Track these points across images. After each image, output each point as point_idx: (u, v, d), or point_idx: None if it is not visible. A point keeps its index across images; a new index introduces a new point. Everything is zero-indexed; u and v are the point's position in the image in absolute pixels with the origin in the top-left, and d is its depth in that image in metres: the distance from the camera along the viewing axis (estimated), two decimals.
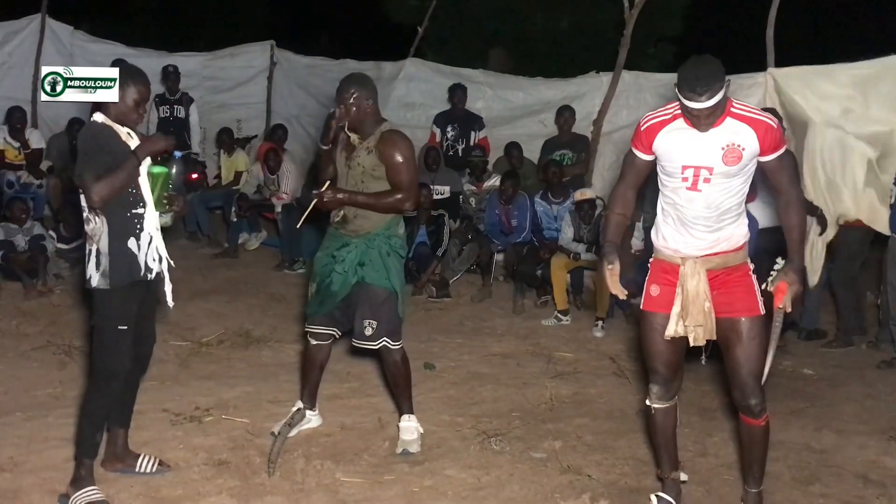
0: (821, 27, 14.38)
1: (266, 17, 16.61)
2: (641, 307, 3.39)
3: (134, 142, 3.48)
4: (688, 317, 3.21)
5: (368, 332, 3.92)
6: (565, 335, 6.32)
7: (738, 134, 3.10)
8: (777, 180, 3.21)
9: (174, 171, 3.55)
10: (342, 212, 3.93)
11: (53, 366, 5.00)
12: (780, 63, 6.94)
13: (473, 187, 7.95)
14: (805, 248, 3.25)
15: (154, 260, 3.53)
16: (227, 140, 8.91)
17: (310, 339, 4.13)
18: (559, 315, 6.61)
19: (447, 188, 7.82)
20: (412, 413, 4.13)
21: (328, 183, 3.89)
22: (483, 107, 8.97)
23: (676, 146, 3.18)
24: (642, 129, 3.26)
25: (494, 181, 7.72)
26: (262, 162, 8.36)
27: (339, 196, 3.84)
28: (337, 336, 4.14)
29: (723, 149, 3.10)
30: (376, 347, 3.97)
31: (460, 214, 7.75)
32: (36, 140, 8.08)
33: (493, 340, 6.10)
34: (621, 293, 3.35)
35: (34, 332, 5.59)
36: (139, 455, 3.70)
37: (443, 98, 8.82)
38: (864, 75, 6.40)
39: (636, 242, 6.59)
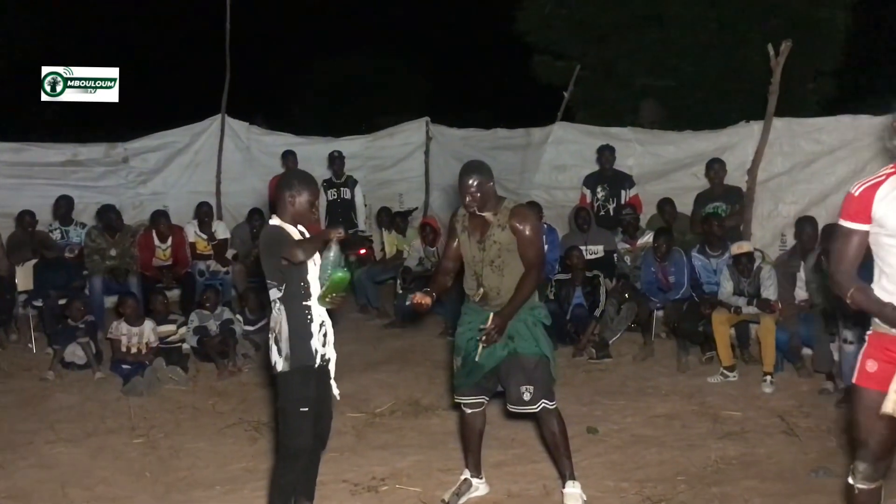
0: None
1: (422, 96, 17.51)
2: (854, 381, 3.20)
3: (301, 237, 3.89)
4: None
5: (527, 396, 4.12)
6: (732, 392, 6.21)
7: None
8: None
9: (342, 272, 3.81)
10: (482, 289, 4.17)
11: (245, 441, 5.47)
12: None
13: (627, 245, 7.99)
14: None
15: (323, 346, 3.89)
16: (385, 218, 9.46)
17: (464, 408, 4.38)
18: (725, 371, 6.50)
19: (600, 247, 7.93)
20: (575, 479, 4.25)
21: (491, 316, 4.08)
22: (634, 164, 9.06)
23: None
24: (856, 195, 3.08)
25: (648, 238, 7.74)
26: (420, 236, 8.81)
27: (500, 322, 4.05)
28: (486, 402, 4.35)
29: None
30: (536, 410, 4.15)
31: (616, 273, 7.80)
32: (221, 231, 8.86)
33: (657, 401, 6.09)
34: None
35: (227, 409, 6.12)
36: None
37: (592, 158, 8.96)
38: None
39: (800, 293, 6.42)
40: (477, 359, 4.16)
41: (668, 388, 6.37)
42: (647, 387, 6.45)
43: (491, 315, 4.08)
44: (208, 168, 10.22)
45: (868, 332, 3.19)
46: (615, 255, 7.96)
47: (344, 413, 5.70)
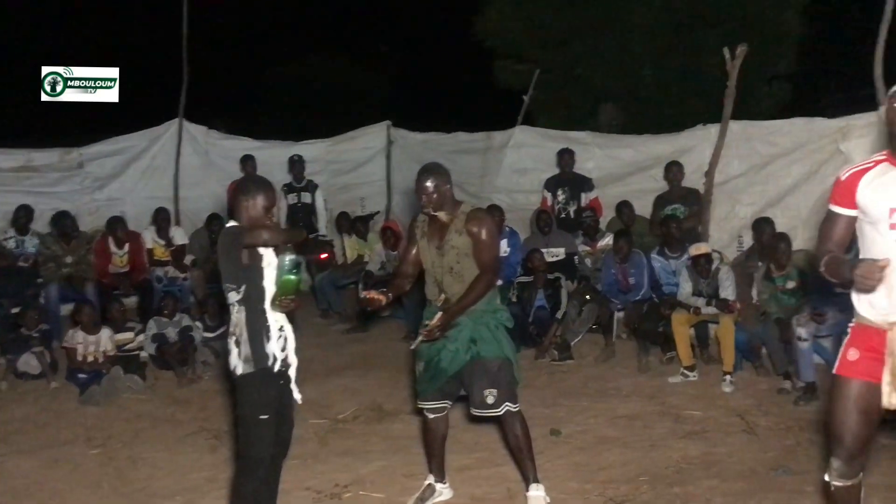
0: None
1: (383, 100, 17.48)
2: (835, 371, 3.15)
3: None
4: None
5: (490, 400, 4.12)
6: (693, 392, 6.28)
7: None
8: None
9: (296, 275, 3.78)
10: (443, 296, 4.17)
11: (205, 450, 5.39)
12: None
13: (588, 248, 8.05)
14: None
15: (282, 350, 3.83)
16: (345, 223, 9.41)
17: (426, 413, 4.37)
18: (685, 371, 6.57)
19: (562, 250, 7.97)
20: (539, 482, 4.25)
21: (438, 315, 4.11)
22: (594, 167, 9.12)
23: (883, 190, 2.99)
24: (843, 179, 3.10)
25: (608, 240, 7.81)
26: (381, 240, 8.78)
27: (445, 320, 4.09)
28: (449, 406, 4.35)
29: None
30: (500, 413, 4.15)
31: (577, 275, 7.85)
32: (179, 237, 8.78)
33: (619, 402, 6.13)
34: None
35: (187, 418, 6.03)
36: None
37: (553, 162, 9.01)
38: None
39: (756, 294, 6.52)
40: (412, 347, 4.21)
41: (630, 389, 6.42)
42: (608, 388, 6.50)
43: (438, 313, 4.09)
44: (166, 173, 10.09)
45: (850, 325, 3.18)
46: (576, 257, 8.01)
47: (306, 419, 5.64)
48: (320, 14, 19.90)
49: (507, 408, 4.13)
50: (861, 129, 6.81)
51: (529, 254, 7.70)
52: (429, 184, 4.10)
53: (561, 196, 8.61)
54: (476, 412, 4.21)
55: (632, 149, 9.18)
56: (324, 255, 8.97)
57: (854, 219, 3.08)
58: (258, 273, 3.74)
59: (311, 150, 10.51)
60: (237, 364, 3.77)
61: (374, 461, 5.08)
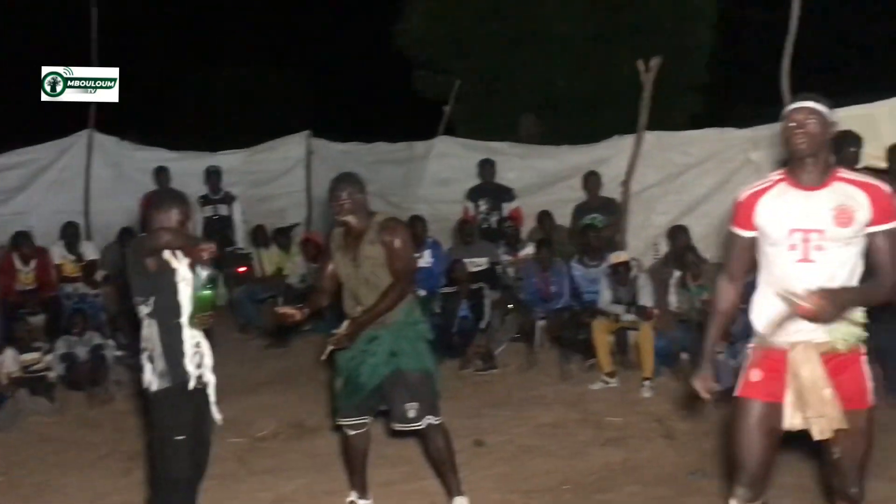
0: (838, 70, 14.41)
1: (303, 109, 17.27)
2: (737, 393, 3.09)
3: (176, 260, 3.71)
4: (807, 407, 2.89)
5: (412, 414, 4.07)
6: (613, 398, 6.35)
7: (848, 196, 2.89)
8: (881, 259, 2.92)
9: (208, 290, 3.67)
10: (360, 307, 4.11)
11: (119, 473, 5.19)
12: None
13: (510, 257, 8.10)
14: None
15: (198, 367, 3.71)
16: (261, 236, 9.24)
17: (346, 430, 4.29)
18: (606, 378, 6.65)
19: (484, 260, 7.98)
20: (462, 494, 4.23)
21: (344, 324, 4.08)
22: (514, 177, 9.19)
23: (781, 211, 2.95)
24: (741, 201, 3.05)
25: (529, 250, 7.88)
26: (301, 253, 8.65)
27: (354, 328, 4.05)
28: (369, 422, 4.30)
29: (833, 210, 2.88)
30: (422, 427, 4.11)
31: (499, 285, 7.88)
32: (90, 252, 8.47)
33: (542, 410, 6.15)
34: (708, 398, 3.19)
35: (99, 440, 5.81)
36: None
37: (474, 172, 9.05)
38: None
39: (673, 300, 6.65)
40: (323, 357, 4.15)
41: (552, 397, 6.46)
42: (531, 396, 6.52)
43: (347, 321, 4.05)
44: (75, 186, 9.75)
45: (749, 346, 3.13)
46: (498, 266, 8.04)
47: (224, 438, 5.43)
48: (240, 21, 19.59)
49: (428, 421, 4.09)
50: (770, 139, 7.02)
51: (452, 264, 7.70)
52: (342, 192, 4.06)
53: (483, 206, 8.65)
54: (397, 427, 4.16)
55: (551, 159, 9.30)
56: (241, 269, 8.80)
57: (755, 240, 3.05)
58: (171, 287, 3.62)
59: (229, 160, 10.28)
60: (152, 380, 3.63)
61: (295, 479, 4.98)
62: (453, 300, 7.57)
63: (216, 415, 3.81)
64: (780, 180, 3.00)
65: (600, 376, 6.70)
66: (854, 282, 2.93)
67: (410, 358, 4.08)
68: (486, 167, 8.76)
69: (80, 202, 9.66)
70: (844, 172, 2.97)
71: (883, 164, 5.98)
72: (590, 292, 7.22)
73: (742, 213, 3.05)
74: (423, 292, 7.61)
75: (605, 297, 6.92)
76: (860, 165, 5.46)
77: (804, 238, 2.90)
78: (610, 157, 8.57)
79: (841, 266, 2.90)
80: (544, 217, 8.23)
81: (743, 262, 3.13)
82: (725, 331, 3.39)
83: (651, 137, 8.12)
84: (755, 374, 3.03)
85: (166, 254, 3.68)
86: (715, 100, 13.39)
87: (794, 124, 2.91)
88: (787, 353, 2.94)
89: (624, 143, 8.44)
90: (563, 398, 6.41)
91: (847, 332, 2.93)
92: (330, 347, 4.09)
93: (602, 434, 5.54)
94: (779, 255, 2.97)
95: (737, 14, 13.28)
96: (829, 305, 2.76)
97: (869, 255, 2.95)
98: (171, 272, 3.63)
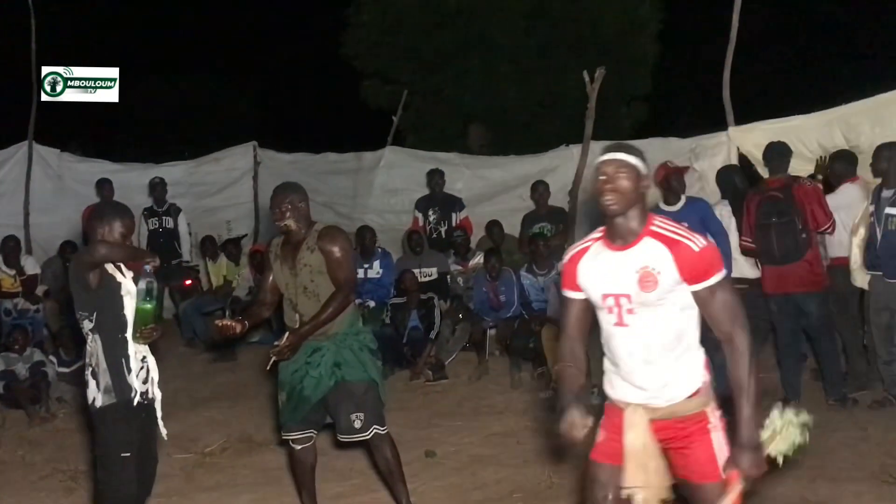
0: (782, 80, 14.84)
1: (251, 121, 17.12)
2: (590, 455, 2.91)
3: (121, 274, 3.64)
4: (629, 476, 2.74)
5: (358, 424, 4.05)
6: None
7: (653, 257, 2.68)
8: (712, 317, 2.69)
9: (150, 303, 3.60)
10: (298, 317, 4.08)
11: (61, 493, 5.06)
12: (743, 118, 7.21)
13: (459, 267, 8.12)
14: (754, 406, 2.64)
15: (144, 383, 3.64)
16: (210, 247, 9.12)
17: (292, 444, 4.24)
18: (556, 386, 6.69)
19: (434, 270, 8.00)
20: None
21: (286, 336, 4.04)
22: (463, 187, 9.25)
23: (595, 273, 2.80)
24: (566, 263, 2.90)
25: (479, 259, 7.90)
26: (249, 264, 8.55)
27: (295, 339, 4.01)
28: (315, 435, 4.26)
29: (637, 272, 2.69)
30: (368, 437, 4.09)
31: (449, 295, 7.90)
32: (31, 266, 8.25)
33: (493, 419, 6.16)
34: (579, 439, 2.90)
35: (40, 460, 5.66)
36: None
37: (423, 182, 9.05)
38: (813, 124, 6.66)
39: None
40: (268, 368, 4.12)
41: (503, 406, 6.48)
42: (482, 405, 6.53)
43: (287, 333, 4.02)
44: (15, 199, 9.49)
45: (606, 402, 2.96)
46: (448, 276, 8.06)
47: (171, 454, 5.37)
48: (185, 31, 19.31)
49: (375, 431, 4.07)
50: (712, 149, 7.20)
51: (402, 274, 7.69)
52: (283, 199, 4.04)
53: (432, 216, 8.66)
54: (343, 438, 4.13)
55: (499, 169, 9.37)
56: (188, 282, 8.67)
57: (586, 300, 2.87)
58: (116, 301, 3.57)
59: (173, 172, 10.12)
60: (96, 396, 3.56)
61: (243, 494, 4.91)
62: (403, 310, 7.56)
63: (162, 430, 3.75)
64: (598, 239, 2.84)
65: (550, 384, 6.73)
66: (686, 339, 2.75)
67: (354, 368, 4.05)
68: (435, 177, 8.77)
69: (19, 215, 9.38)
70: (659, 224, 2.74)
71: (811, 172, 6.19)
72: (539, 301, 7.28)
73: (567, 275, 2.90)
74: (372, 303, 7.61)
75: (554, 305, 6.97)
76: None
77: (616, 302, 2.75)
78: (557, 166, 8.67)
79: (654, 328, 2.72)
80: (493, 226, 8.27)
81: (579, 322, 2.93)
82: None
83: (597, 147, 8.18)
84: (600, 435, 2.89)
85: (110, 267, 3.62)
86: (660, 109, 13.65)
87: (604, 177, 2.72)
88: (624, 412, 2.79)
89: (571, 152, 8.54)
90: (514, 407, 6.43)
91: (691, 403, 2.75)
92: (273, 359, 4.05)
93: (552, 442, 5.56)
94: (602, 317, 2.84)
95: (679, 26, 13.57)
96: None
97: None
98: (116, 286, 3.57)
